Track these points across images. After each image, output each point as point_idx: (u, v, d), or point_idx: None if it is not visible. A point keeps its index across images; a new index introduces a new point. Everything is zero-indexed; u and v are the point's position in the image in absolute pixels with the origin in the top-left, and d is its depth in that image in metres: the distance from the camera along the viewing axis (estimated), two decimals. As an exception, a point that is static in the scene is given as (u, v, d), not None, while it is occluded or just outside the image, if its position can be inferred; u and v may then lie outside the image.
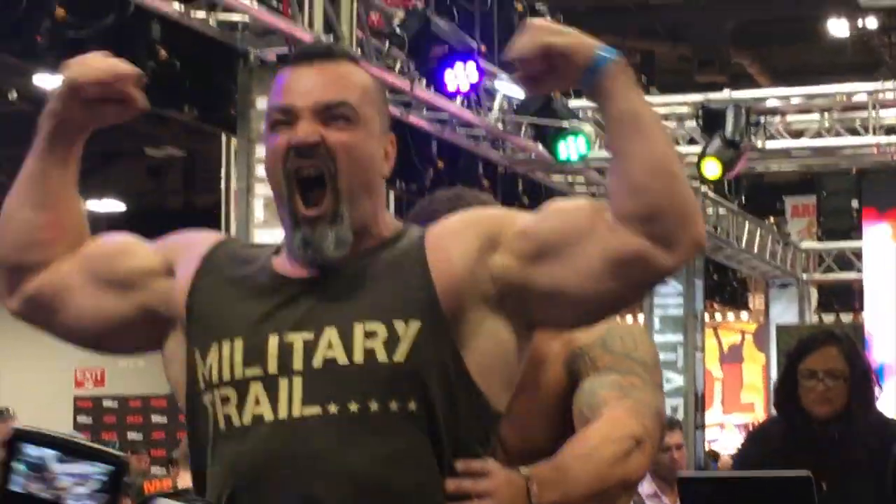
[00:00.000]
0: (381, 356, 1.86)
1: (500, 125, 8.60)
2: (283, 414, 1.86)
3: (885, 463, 4.13)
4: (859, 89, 8.96)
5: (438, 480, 1.86)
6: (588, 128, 8.24)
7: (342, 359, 1.87)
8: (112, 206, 15.92)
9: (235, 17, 6.59)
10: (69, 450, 1.35)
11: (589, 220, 1.80)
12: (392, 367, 1.86)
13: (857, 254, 12.20)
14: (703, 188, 10.14)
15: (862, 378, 4.37)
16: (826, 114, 8.75)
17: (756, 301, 15.35)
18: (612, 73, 1.79)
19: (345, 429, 1.85)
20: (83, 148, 2.25)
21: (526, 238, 1.82)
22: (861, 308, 11.96)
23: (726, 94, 8.83)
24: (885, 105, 8.75)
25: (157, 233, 2.21)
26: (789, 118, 8.80)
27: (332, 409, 1.84)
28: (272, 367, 1.89)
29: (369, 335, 1.88)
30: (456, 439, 1.85)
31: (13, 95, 11.43)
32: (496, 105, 8.45)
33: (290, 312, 1.92)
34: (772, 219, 13.50)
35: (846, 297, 13.06)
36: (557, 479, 2.12)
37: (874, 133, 8.83)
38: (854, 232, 12.08)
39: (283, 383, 1.89)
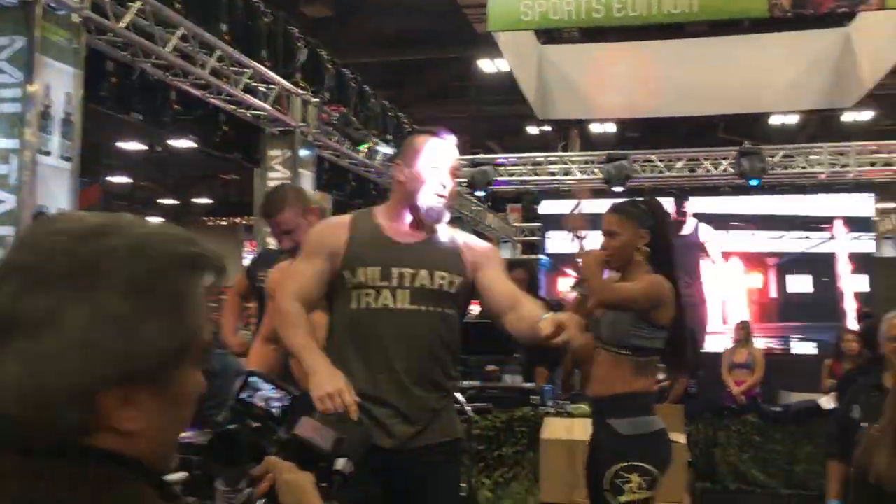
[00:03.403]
0: (446, 287, 2.38)
1: (380, 166, 9.72)
2: (399, 306, 2.33)
3: None
4: (539, 156, 10.96)
5: (459, 338, 2.42)
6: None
7: (429, 285, 2.37)
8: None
9: (261, 113, 7.45)
10: (268, 381, 1.29)
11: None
12: (450, 293, 2.39)
13: (533, 231, 13.98)
14: (472, 197, 11.84)
15: (533, 277, 5.45)
16: (524, 167, 10.82)
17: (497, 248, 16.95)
18: None
19: (428, 316, 2.37)
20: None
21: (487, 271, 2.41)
22: (539, 253, 12.97)
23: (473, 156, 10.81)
24: (549, 163, 10.69)
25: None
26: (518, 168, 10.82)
27: (423, 308, 2.36)
28: (395, 283, 2.35)
29: (442, 277, 2.39)
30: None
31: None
32: (379, 157, 9.65)
33: (402, 257, 2.38)
34: (501, 214, 15.04)
35: (533, 249, 14.31)
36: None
37: (544, 175, 10.59)
38: (536, 219, 13.67)
39: (399, 292, 2.34)
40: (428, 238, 2.43)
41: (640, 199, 3.12)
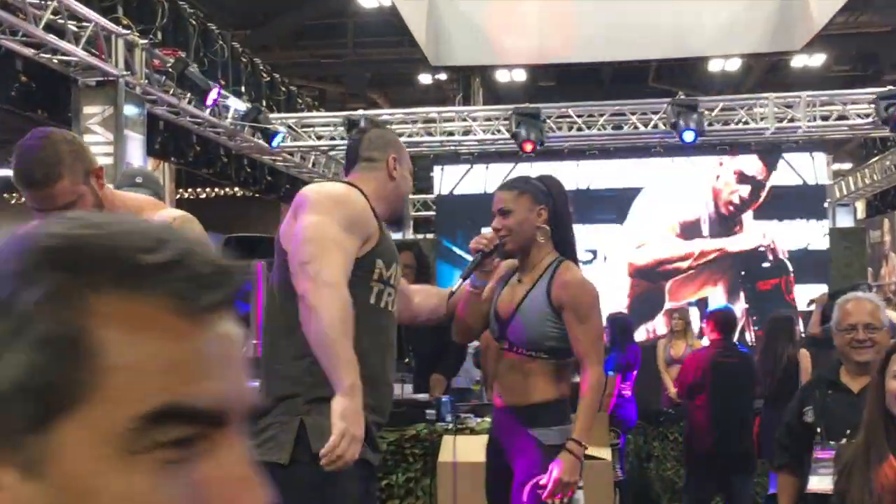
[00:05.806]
0: None
1: (230, 125, 9.70)
2: (394, 309, 2.76)
3: None
4: (432, 111, 11.06)
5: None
6: (284, 129, 10.24)
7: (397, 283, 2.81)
8: None
9: (72, 59, 7.33)
10: None
11: None
12: None
13: (427, 204, 13.68)
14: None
15: (425, 262, 5.47)
16: (414, 125, 10.75)
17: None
18: None
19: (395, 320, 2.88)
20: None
21: None
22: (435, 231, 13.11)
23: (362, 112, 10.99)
24: (445, 120, 10.67)
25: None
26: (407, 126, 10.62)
27: (395, 310, 2.79)
28: (395, 283, 2.70)
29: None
30: None
31: None
32: (230, 114, 9.60)
33: (394, 253, 2.75)
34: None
35: (427, 225, 14.17)
36: None
37: (439, 135, 10.64)
38: (429, 189, 13.35)
39: (394, 293, 2.72)
40: None
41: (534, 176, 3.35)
